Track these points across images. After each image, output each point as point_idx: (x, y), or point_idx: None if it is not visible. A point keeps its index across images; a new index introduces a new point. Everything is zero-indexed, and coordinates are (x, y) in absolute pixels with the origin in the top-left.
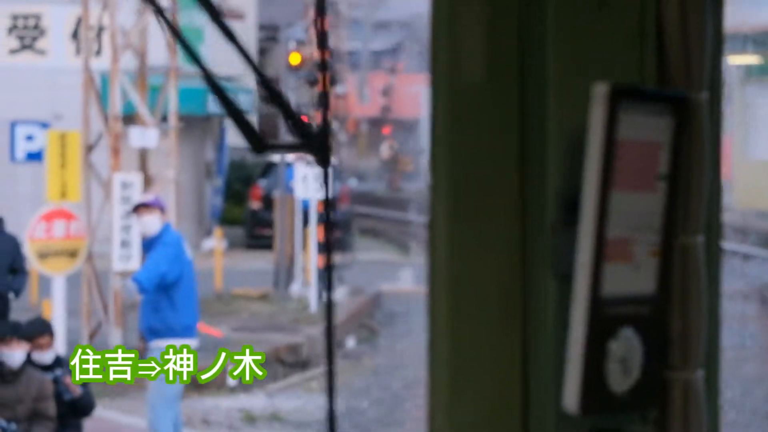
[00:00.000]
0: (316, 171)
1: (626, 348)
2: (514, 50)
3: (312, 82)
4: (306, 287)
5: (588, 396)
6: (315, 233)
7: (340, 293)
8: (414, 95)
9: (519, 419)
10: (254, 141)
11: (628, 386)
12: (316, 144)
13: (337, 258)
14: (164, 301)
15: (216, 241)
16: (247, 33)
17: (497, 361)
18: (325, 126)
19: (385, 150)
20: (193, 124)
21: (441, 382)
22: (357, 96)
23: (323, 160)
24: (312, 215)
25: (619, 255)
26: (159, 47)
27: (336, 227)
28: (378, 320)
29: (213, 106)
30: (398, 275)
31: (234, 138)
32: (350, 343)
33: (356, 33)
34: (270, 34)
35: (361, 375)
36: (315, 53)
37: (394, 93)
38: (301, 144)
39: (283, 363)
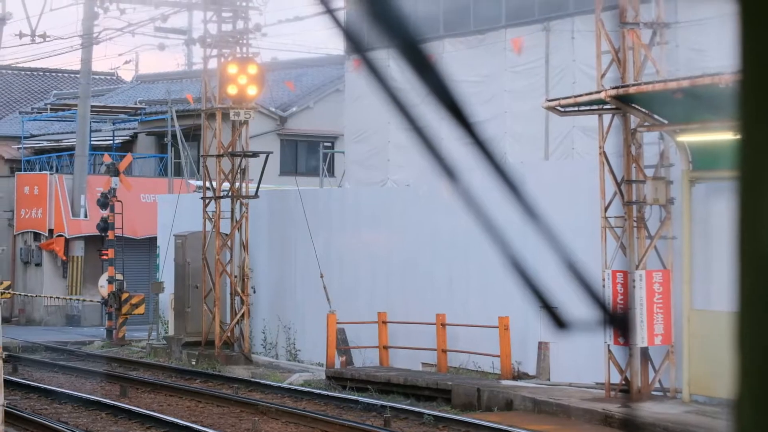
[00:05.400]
0: None
1: None
2: None
3: None
4: None
5: None
6: None
7: None
8: (147, 206)
9: None
10: (557, 320)
11: None
12: (617, 321)
13: None
14: None
15: None
16: None
17: None
18: (628, 305)
19: (104, 284)
20: None
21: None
22: (69, 208)
23: (624, 336)
24: None
25: None
26: None
27: None
28: None
29: None
30: None
31: None
32: None
33: (70, 123)
34: None
35: None
36: None
37: (119, 203)
38: (602, 321)
39: None
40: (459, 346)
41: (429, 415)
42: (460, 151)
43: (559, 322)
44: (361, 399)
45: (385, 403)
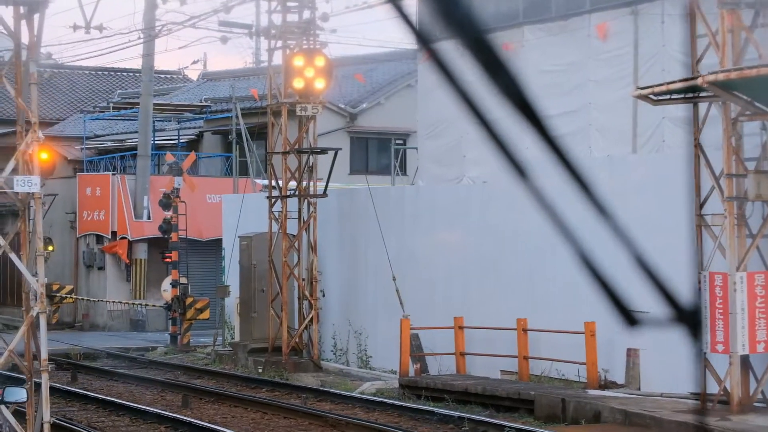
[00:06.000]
0: None
1: None
2: None
3: None
4: None
5: None
6: None
7: None
8: (213, 207)
9: None
10: (625, 313)
11: None
12: (688, 318)
13: None
14: None
15: None
16: None
17: None
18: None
19: (167, 288)
20: None
21: None
22: (132, 210)
23: (695, 335)
24: None
25: None
26: None
27: None
28: None
29: None
30: None
31: None
32: None
33: (131, 124)
34: None
35: None
36: None
37: (182, 203)
38: (673, 319)
39: None
40: (541, 353)
41: (511, 428)
42: (532, 149)
43: (626, 313)
44: (437, 410)
45: (463, 414)
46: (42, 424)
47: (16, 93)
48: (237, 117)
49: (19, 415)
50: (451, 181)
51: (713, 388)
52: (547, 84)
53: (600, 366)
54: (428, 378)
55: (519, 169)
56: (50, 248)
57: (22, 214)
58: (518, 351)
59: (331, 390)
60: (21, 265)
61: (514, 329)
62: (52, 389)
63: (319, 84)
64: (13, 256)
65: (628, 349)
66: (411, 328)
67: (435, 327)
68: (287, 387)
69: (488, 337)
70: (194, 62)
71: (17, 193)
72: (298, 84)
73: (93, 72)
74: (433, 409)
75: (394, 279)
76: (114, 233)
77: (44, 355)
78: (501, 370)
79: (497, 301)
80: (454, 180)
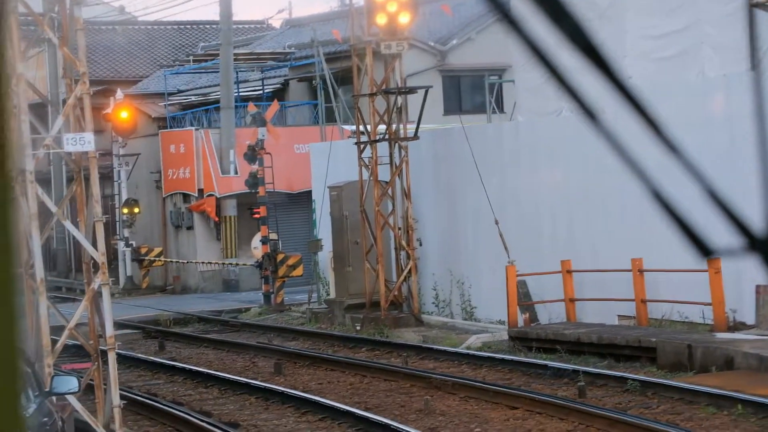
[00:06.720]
0: None
1: None
2: None
3: None
4: None
5: None
6: None
7: None
8: (301, 157)
9: None
10: (700, 246)
11: None
12: (763, 247)
13: None
14: None
15: None
16: None
17: None
18: None
19: (257, 246)
20: None
21: None
22: (218, 165)
23: None
24: None
25: None
26: None
27: None
28: None
29: None
30: None
31: None
32: None
33: (212, 77)
34: None
35: None
36: None
37: (267, 155)
38: (746, 247)
39: None
40: (659, 295)
41: (634, 380)
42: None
43: (701, 246)
44: (550, 364)
45: (577, 367)
46: (112, 409)
47: (61, 42)
48: (321, 62)
49: (90, 389)
50: (550, 114)
51: None
52: (651, 1)
53: (727, 306)
54: (539, 328)
55: (589, 111)
56: (136, 210)
57: (77, 176)
58: (635, 294)
59: (434, 346)
60: (78, 233)
61: (629, 270)
62: (138, 361)
63: (404, 18)
64: (68, 224)
65: (757, 286)
66: (517, 275)
67: (542, 273)
68: (387, 345)
69: (600, 280)
70: (279, 11)
71: (70, 153)
72: (381, 20)
73: (174, 27)
74: (546, 362)
75: (496, 223)
76: (201, 191)
77: (109, 332)
78: (618, 315)
79: (607, 241)
80: (554, 113)
